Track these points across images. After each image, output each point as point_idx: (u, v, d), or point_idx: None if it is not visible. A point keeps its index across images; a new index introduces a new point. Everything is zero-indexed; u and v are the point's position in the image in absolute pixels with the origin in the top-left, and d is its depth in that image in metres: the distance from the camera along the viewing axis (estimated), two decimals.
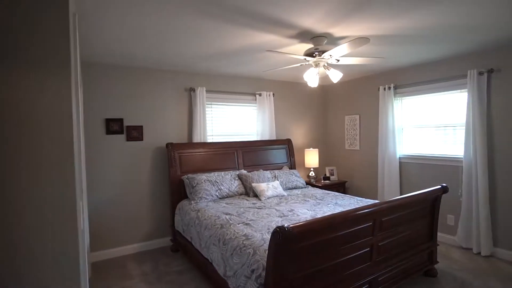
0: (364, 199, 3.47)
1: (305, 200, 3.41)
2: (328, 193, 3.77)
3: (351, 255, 2.16)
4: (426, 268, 2.81)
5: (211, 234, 2.61)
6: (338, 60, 2.76)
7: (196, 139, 3.99)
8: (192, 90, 4.02)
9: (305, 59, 2.71)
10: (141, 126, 3.72)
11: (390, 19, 2.31)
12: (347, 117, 5.07)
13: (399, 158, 4.25)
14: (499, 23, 2.46)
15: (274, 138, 4.66)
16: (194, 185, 3.49)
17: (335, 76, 2.79)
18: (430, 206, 2.81)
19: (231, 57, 3.33)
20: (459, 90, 3.60)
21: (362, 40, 2.16)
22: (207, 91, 4.11)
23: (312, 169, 4.95)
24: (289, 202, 3.36)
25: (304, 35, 2.63)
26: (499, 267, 3.06)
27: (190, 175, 3.64)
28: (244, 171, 4.02)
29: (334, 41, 2.77)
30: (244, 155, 4.28)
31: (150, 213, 3.81)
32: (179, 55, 3.21)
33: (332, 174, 5.05)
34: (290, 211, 2.95)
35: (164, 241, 3.88)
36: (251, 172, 3.96)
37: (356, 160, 4.95)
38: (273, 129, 4.66)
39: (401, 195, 4.24)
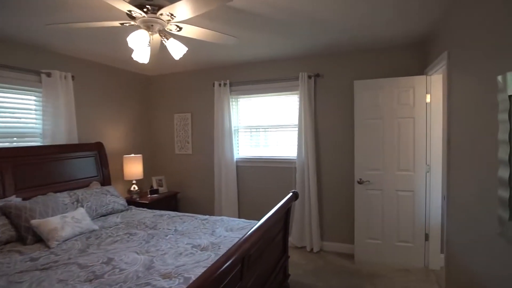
0: (208, 216, 2.78)
1: (131, 234, 2.30)
2: (162, 215, 2.81)
3: None
4: (283, 285, 2.46)
5: None
6: (181, 28, 1.90)
7: None
8: None
9: (130, 13, 1.67)
10: None
11: None
12: (176, 115, 4.27)
13: (236, 161, 3.90)
14: (339, 22, 2.42)
15: (75, 141, 3.16)
16: None
17: (177, 50, 1.91)
18: (285, 217, 2.48)
19: None
20: (291, 92, 3.61)
21: None
22: None
23: (134, 181, 3.80)
24: (103, 242, 2.14)
25: None
26: (330, 261, 3.23)
27: None
28: (15, 200, 2.37)
29: None
30: (18, 172, 2.57)
31: None
32: None
33: (160, 186, 4.08)
34: (106, 262, 1.79)
35: None
36: (31, 200, 2.38)
37: (188, 166, 4.24)
38: (74, 128, 3.15)
39: (238, 202, 3.91)
